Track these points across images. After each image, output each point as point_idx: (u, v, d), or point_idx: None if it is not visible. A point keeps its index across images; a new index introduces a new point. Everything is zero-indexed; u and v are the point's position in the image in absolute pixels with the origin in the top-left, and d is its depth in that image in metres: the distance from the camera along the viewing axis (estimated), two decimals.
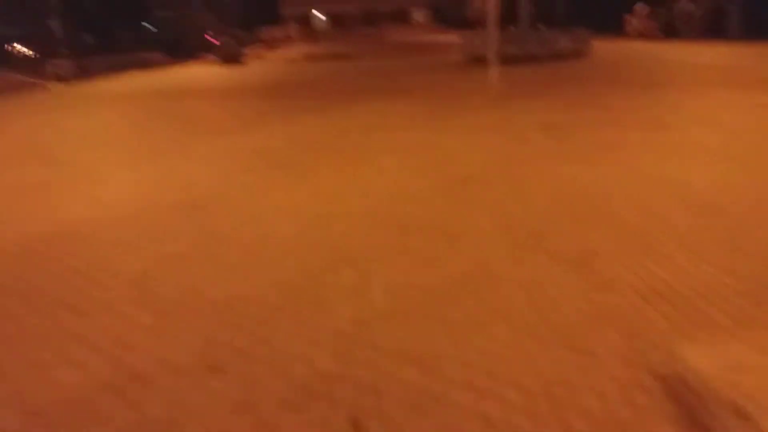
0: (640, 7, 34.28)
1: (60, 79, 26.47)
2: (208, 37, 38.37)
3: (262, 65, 32.45)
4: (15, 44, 36.89)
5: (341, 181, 7.24)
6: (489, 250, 4.76)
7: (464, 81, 18.39)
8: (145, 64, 35.36)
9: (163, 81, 24.76)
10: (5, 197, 7.42)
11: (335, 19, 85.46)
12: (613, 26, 35.14)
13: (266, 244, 5.17)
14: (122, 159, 9.39)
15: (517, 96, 13.61)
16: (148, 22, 49.83)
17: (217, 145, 9.95)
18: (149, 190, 7.33)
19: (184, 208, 6.39)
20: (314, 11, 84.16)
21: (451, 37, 57.89)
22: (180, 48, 41.00)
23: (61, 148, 10.51)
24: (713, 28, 29.38)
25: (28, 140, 11.75)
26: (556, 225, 5.23)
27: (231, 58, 33.01)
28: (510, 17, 59.31)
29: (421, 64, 26.31)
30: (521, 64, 21.51)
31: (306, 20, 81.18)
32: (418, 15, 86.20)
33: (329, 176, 7.52)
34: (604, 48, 25.90)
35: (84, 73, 27.92)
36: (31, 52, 34.98)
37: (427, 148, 8.74)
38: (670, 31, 31.68)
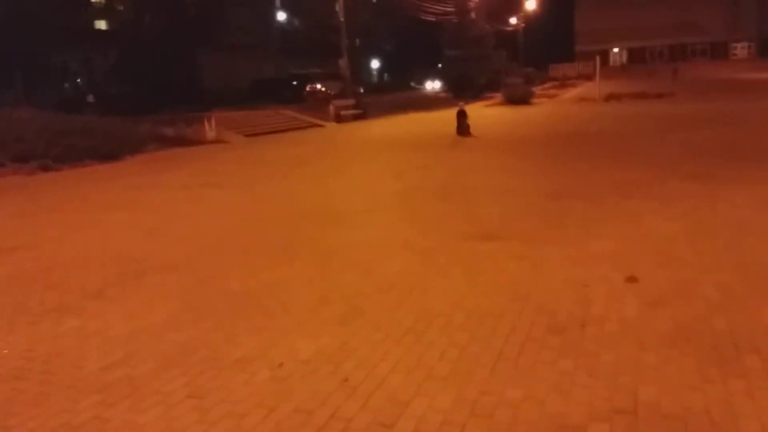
0: None
1: (338, 119, 24.53)
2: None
3: (552, 106, 26.78)
4: (316, 84, 37.37)
5: None
6: None
7: None
8: (428, 104, 32.56)
9: (426, 124, 20.79)
10: None
11: (636, 55, 74.94)
12: None
13: None
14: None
15: None
16: (441, 62, 48.13)
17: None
18: None
19: None
20: (613, 47, 75.12)
21: None
22: (467, 87, 37.58)
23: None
24: None
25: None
26: None
27: (517, 98, 28.08)
28: None
29: None
30: None
31: (603, 56, 72.70)
32: (740, 48, 70.75)
33: None
34: None
35: (363, 113, 25.72)
36: (327, 91, 34.83)
37: None
38: None
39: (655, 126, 15.35)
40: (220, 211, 8.16)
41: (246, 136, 19.28)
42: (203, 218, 7.76)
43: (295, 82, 38.45)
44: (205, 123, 18.10)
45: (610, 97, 27.34)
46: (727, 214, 6.12)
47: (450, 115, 25.49)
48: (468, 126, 15.52)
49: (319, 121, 23.95)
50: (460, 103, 16.92)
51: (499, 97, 31.31)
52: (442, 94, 41.66)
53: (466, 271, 4.92)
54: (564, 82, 46.13)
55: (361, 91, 37.61)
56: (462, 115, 15.74)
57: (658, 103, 24.60)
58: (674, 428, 2.62)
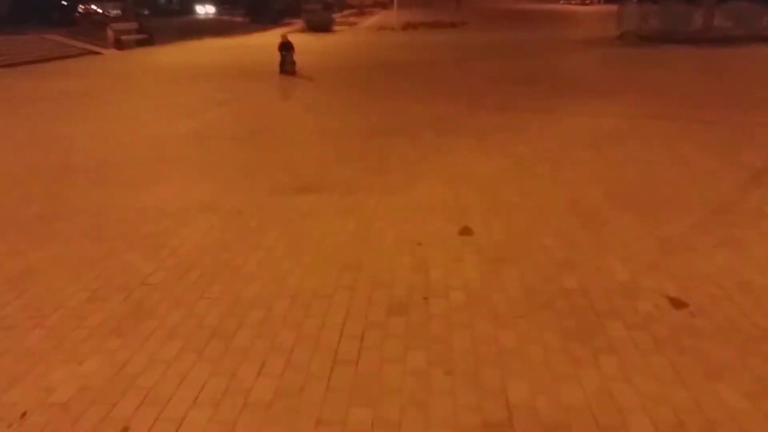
0: None
1: (119, 45, 21.16)
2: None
3: (354, 35, 26.10)
4: (91, 5, 32.07)
5: None
6: None
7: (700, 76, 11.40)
8: (224, 29, 29.79)
9: (223, 52, 18.76)
10: None
11: None
12: None
13: None
14: None
15: None
16: None
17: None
18: None
19: None
20: None
21: (564, 7, 49.48)
22: (265, 12, 35.09)
23: None
24: None
25: None
26: None
27: (319, 25, 26.84)
28: None
29: (557, 38, 19.21)
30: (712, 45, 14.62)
31: None
32: None
33: None
34: None
35: (148, 38, 22.52)
36: (105, 13, 30.16)
37: None
38: None
39: (455, 56, 15.47)
40: None
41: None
42: None
43: (65, 2, 32.64)
44: None
45: (407, 26, 27.43)
46: (542, 148, 6.00)
47: (252, 42, 23.52)
48: (294, 62, 12.92)
49: (95, 48, 20.37)
50: (284, 33, 13.69)
51: (299, 23, 29.69)
52: (239, 19, 38.55)
53: (283, 236, 4.04)
54: (362, 10, 45.57)
55: (146, 13, 33.15)
56: (286, 48, 12.91)
57: (453, 32, 25.24)
58: None
